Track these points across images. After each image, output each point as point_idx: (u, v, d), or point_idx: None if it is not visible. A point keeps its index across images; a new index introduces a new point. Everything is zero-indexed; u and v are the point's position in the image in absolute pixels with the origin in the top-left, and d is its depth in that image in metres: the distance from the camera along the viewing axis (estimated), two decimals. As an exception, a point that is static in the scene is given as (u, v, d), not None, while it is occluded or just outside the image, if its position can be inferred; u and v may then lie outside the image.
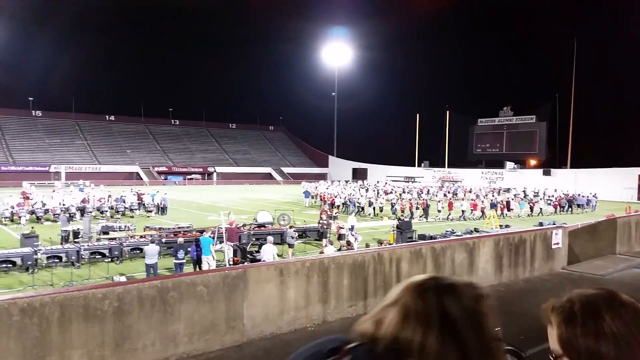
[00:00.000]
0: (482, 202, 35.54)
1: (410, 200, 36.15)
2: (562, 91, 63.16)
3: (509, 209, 34.49)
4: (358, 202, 35.88)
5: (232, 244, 18.07)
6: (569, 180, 54.48)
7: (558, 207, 37.59)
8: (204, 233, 17.57)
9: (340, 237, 20.66)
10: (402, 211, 31.79)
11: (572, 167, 60.96)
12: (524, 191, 47.99)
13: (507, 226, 25.20)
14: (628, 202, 43.25)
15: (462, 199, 37.59)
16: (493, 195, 42.30)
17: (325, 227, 21.88)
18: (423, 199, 35.22)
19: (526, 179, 59.96)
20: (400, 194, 43.70)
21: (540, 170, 62.48)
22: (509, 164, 67.21)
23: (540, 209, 36.48)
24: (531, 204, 36.60)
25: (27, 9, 77.40)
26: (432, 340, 0.87)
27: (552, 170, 61.18)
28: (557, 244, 13.07)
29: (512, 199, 37.22)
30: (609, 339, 1.01)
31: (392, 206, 33.29)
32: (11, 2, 72.21)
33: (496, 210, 33.02)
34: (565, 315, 1.08)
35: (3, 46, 71.67)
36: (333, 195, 39.38)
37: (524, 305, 9.87)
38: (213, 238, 18.46)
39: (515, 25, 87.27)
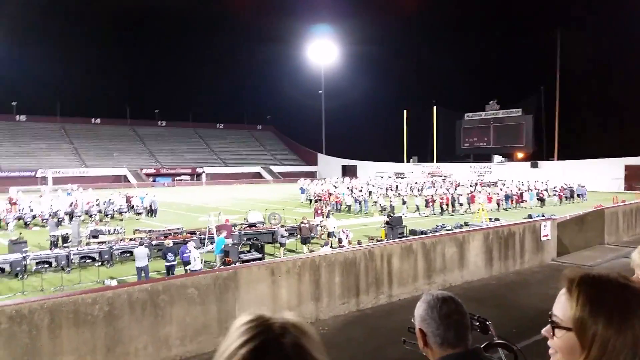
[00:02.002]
0: (497, 194, 36.63)
1: (444, 195, 35.43)
2: (547, 83, 63.80)
3: (522, 200, 35.81)
4: (379, 202, 34.27)
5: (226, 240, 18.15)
6: (557, 172, 54.98)
7: (562, 197, 39.16)
8: (220, 233, 17.84)
9: (329, 235, 20.71)
10: (432, 206, 32.48)
11: (559, 158, 61.54)
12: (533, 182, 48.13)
13: (496, 219, 25.37)
14: (615, 192, 43.74)
15: (480, 192, 38.21)
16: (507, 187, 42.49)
17: (306, 229, 19.97)
18: (446, 195, 35.12)
19: (514, 171, 60.42)
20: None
21: (528, 163, 63.04)
22: (497, 158, 67.70)
23: (545, 199, 37.79)
24: (540, 195, 37.76)
25: (8, 14, 76.36)
26: None
27: (540, 162, 61.74)
28: (546, 235, 13.19)
29: (525, 191, 38.47)
30: (628, 338, 0.98)
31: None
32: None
33: (512, 202, 34.92)
34: (593, 298, 1.04)
35: (-16, 51, 70.73)
36: (337, 194, 38.31)
37: (515, 298, 9.96)
38: (203, 240, 18.46)
39: (499, 19, 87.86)
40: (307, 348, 0.85)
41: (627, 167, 52.38)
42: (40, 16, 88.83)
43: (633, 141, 55.88)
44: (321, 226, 22.48)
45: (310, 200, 38.91)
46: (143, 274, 14.48)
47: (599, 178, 51.20)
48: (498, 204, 34.43)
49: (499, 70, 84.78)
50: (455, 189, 41.43)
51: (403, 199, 34.37)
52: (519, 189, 39.76)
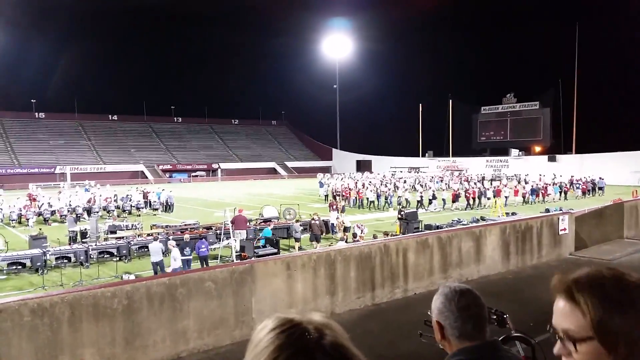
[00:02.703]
0: (524, 187, 36.81)
1: (472, 189, 35.70)
2: (565, 76, 62.81)
3: (547, 194, 36.17)
4: (404, 196, 33.99)
5: (240, 231, 18.24)
6: (575, 166, 54.21)
7: (586, 190, 39.37)
8: (269, 224, 19.91)
9: (345, 229, 20.65)
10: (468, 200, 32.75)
11: (577, 152, 60.66)
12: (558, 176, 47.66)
13: (513, 214, 25.12)
14: (635, 186, 42.98)
15: (505, 186, 38.16)
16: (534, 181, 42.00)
17: (317, 226, 19.26)
18: (474, 189, 35.23)
19: (531, 165, 59.73)
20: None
21: (546, 157, 62.26)
22: (514, 151, 66.94)
23: (567, 192, 38.09)
24: (565, 189, 37.86)
25: (27, 11, 77.45)
26: None
27: (558, 156, 60.93)
28: (564, 229, 13.04)
29: (550, 184, 38.67)
30: None
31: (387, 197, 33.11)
32: (11, 5, 72.29)
33: (538, 196, 35.19)
34: (601, 297, 0.98)
35: (3, 48, 71.78)
36: (360, 190, 37.42)
37: (533, 292, 9.87)
38: (219, 235, 18.62)
39: (516, 11, 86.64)
40: (347, 346, 0.83)
41: (647, 160, 51.47)
42: (59, 15, 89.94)
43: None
44: (338, 222, 22.44)
45: (326, 196, 38.46)
46: (159, 269, 14.64)
47: (617, 171, 50.34)
48: (524, 198, 34.78)
49: (516, 63, 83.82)
50: (462, 183, 41.68)
51: (433, 193, 34.10)
52: (544, 183, 39.67)
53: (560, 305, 1.03)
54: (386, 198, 33.87)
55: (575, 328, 0.99)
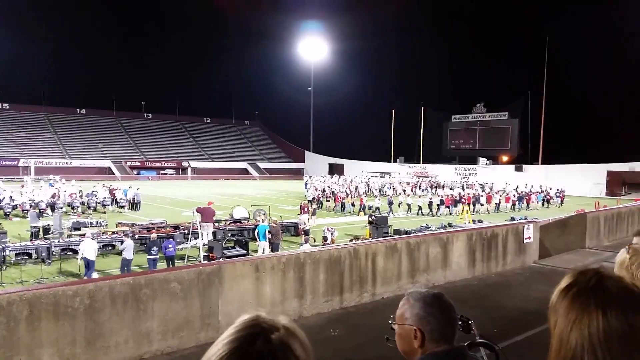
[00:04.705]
0: (514, 195, 38.21)
1: (468, 195, 36.54)
2: (534, 88, 64.52)
3: (531, 202, 37.98)
4: (405, 201, 34.30)
5: (207, 224, 17.98)
6: (540, 176, 55.58)
7: (563, 198, 41.80)
8: (262, 221, 18.49)
9: (305, 232, 20.35)
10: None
11: (543, 163, 62.23)
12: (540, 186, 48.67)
13: (479, 221, 25.61)
14: (597, 198, 44.35)
15: (497, 192, 39.44)
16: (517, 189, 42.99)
17: (275, 232, 17.53)
18: (468, 195, 36.11)
19: (498, 174, 60.98)
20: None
21: (512, 166, 63.66)
22: (482, 160, 68.23)
23: (550, 201, 40.01)
24: (548, 197, 39.71)
25: (-7, -1, 75.00)
26: None
27: (524, 166, 62.38)
28: (529, 238, 13.32)
29: (533, 193, 40.34)
30: (584, 336, 0.96)
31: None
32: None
33: (523, 203, 36.86)
34: (563, 288, 1.06)
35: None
36: (361, 194, 36.71)
37: (497, 299, 10.05)
38: (187, 235, 18.36)
39: (488, 22, 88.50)
40: (293, 347, 0.86)
41: (609, 173, 53.18)
42: (28, 4, 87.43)
43: (615, 147, 56.81)
44: (304, 223, 22.39)
45: (314, 199, 36.21)
46: (125, 269, 14.35)
47: (581, 183, 51.88)
48: (513, 205, 36.29)
49: (487, 73, 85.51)
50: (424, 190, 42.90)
51: (441, 198, 34.46)
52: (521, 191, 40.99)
53: None
54: (391, 204, 33.00)
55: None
